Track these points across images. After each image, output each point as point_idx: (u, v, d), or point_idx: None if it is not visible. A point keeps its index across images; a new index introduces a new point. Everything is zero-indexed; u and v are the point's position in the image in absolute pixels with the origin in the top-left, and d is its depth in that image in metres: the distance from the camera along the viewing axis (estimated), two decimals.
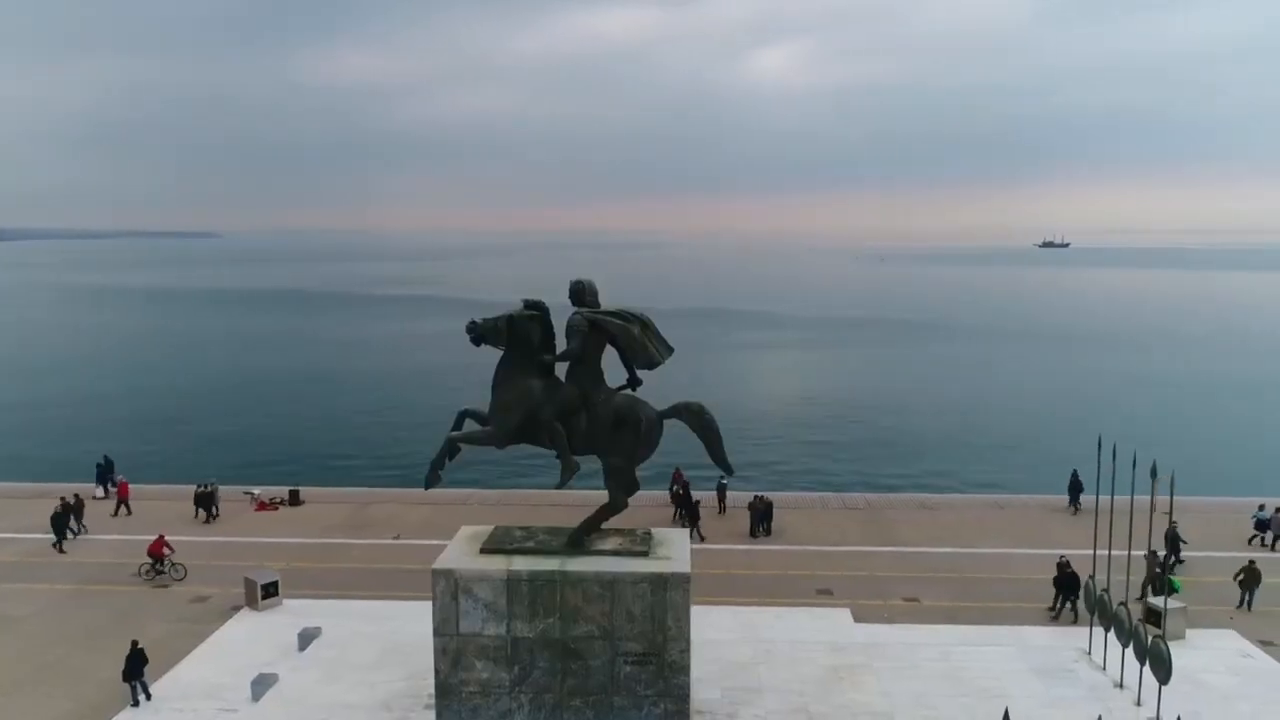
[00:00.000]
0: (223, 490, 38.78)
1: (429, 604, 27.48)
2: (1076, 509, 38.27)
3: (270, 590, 27.93)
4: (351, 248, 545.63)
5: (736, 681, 22.61)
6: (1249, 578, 28.39)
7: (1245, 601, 28.41)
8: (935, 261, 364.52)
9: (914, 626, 26.79)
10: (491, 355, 20.20)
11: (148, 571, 31.10)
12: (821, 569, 31.89)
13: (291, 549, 34.00)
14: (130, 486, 39.42)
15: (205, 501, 37.60)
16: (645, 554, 19.69)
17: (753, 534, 35.33)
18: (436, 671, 19.70)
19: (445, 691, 19.63)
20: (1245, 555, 31.27)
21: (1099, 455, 23.10)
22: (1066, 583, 27.82)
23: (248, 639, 25.65)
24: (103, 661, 24.81)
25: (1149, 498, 21.75)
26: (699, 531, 34.79)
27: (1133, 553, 23.48)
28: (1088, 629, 24.47)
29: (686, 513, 35.71)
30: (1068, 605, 27.89)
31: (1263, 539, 34.35)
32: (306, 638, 25.06)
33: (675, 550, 20.06)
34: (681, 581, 19.08)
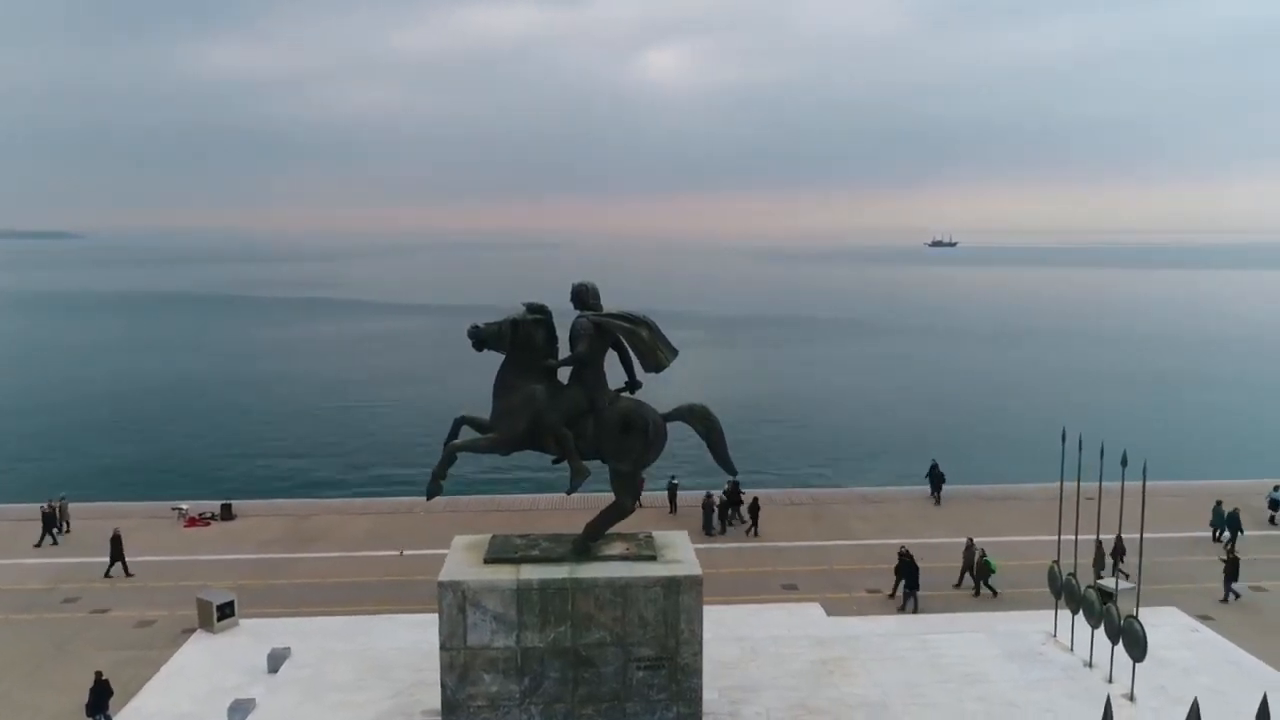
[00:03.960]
0: (146, 506, 36.56)
1: (400, 618, 26.89)
2: (938, 500, 39.60)
3: (226, 610, 26.40)
4: (227, 249, 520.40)
5: (730, 680, 22.66)
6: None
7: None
8: (831, 261, 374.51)
9: (883, 618, 27.41)
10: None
11: None
12: (782, 565, 32.42)
13: (231, 566, 32.36)
14: None
15: (48, 522, 35.07)
16: (654, 558, 19.54)
17: (707, 530, 35.65)
18: (443, 686, 19.01)
19: (452, 708, 18.96)
20: (1264, 534, 34.20)
21: (1064, 444, 24.20)
22: (905, 570, 28.93)
23: (210, 663, 24.11)
24: (49, 696, 23.19)
25: (1115, 484, 22.90)
26: (756, 528, 35.19)
27: (1102, 537, 24.70)
28: (1052, 612, 25.59)
29: (737, 512, 35.77)
30: (901, 590, 28.90)
31: (1273, 518, 36.18)
32: (276, 659, 23.74)
33: (683, 553, 19.98)
34: (694, 584, 19.02)
